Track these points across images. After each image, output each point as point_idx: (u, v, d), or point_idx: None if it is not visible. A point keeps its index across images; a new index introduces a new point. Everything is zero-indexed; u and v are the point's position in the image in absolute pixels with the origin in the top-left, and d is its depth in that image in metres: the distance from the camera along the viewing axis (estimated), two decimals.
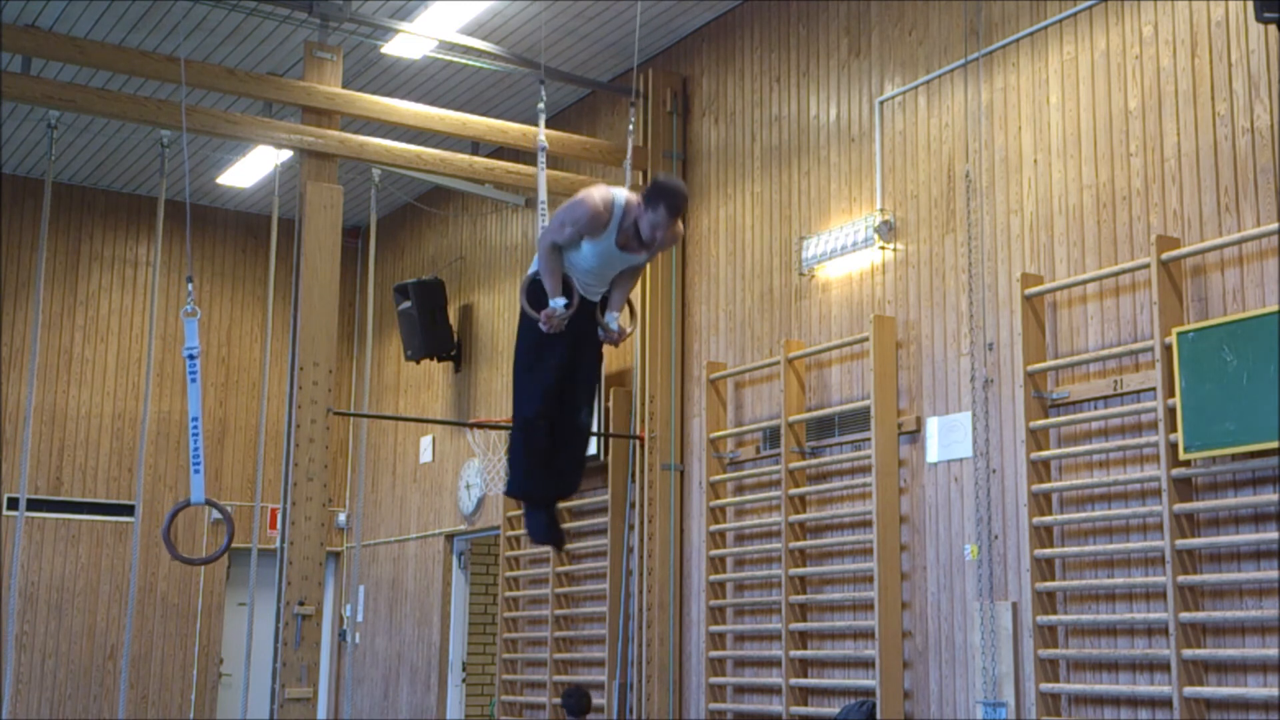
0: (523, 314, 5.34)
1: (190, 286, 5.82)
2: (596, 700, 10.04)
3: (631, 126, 6.35)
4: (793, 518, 8.48)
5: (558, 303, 5.23)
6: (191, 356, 5.66)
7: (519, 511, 11.37)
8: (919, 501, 7.84)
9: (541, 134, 5.37)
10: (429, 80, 10.92)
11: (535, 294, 5.29)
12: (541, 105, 5.58)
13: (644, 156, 10.06)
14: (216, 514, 13.78)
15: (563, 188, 10.04)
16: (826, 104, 8.91)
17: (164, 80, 8.89)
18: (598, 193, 5.26)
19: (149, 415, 13.15)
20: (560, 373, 5.42)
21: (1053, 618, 6.83)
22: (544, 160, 5.30)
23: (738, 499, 9.07)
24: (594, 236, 5.26)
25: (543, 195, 5.26)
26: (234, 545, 13.64)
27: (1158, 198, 6.74)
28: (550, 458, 5.50)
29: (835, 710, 7.94)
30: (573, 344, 5.42)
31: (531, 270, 5.39)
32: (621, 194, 5.30)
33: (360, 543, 11.44)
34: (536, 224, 5.51)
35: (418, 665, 12.67)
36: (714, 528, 9.17)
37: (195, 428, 5.62)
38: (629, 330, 5.51)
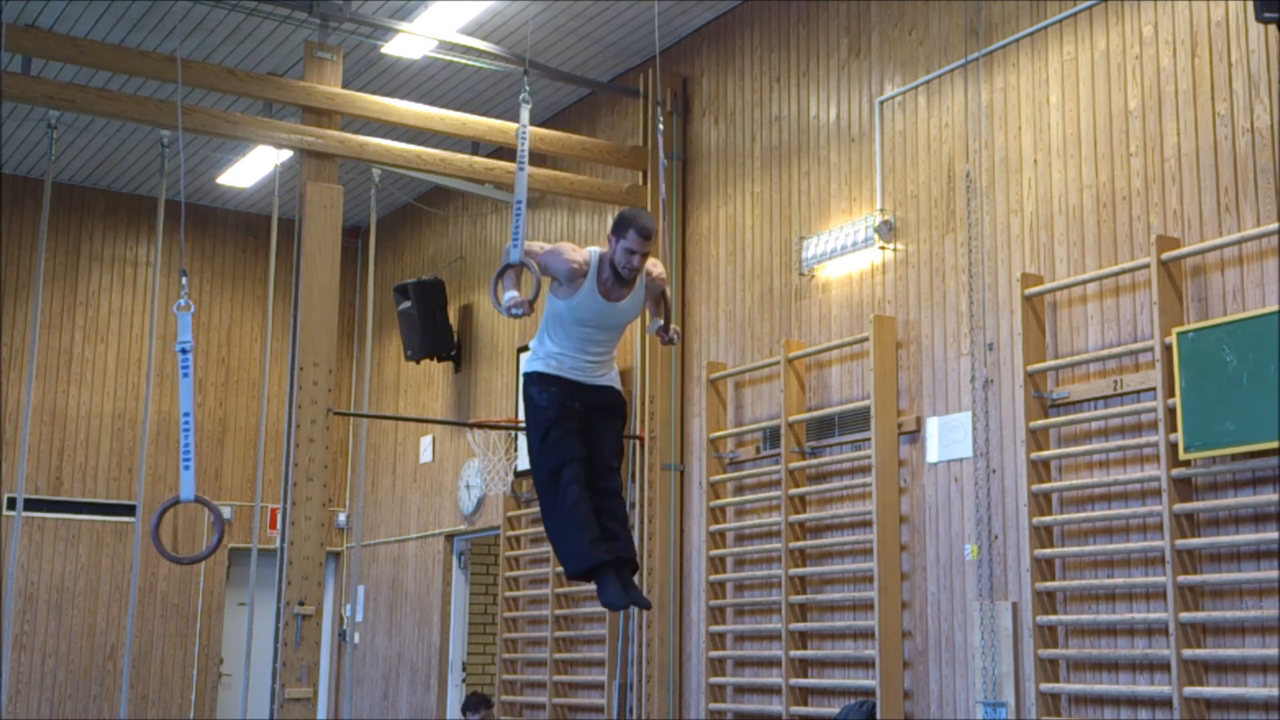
0: (528, 408, 5.33)
1: (184, 280, 5.76)
2: (596, 700, 10.04)
3: (660, 126, 6.38)
4: (793, 518, 8.48)
5: (510, 296, 5.19)
6: (184, 351, 5.60)
7: (519, 512, 11.37)
8: (919, 501, 7.84)
9: (524, 129, 5.36)
10: (429, 80, 10.92)
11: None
12: (525, 96, 5.55)
13: (643, 157, 10.07)
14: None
15: (562, 187, 10.05)
16: (826, 104, 8.91)
17: (164, 80, 8.89)
18: (570, 246, 5.31)
19: (149, 415, 13.17)
20: (579, 446, 5.28)
21: (1053, 618, 6.83)
22: (525, 152, 5.29)
23: (738, 499, 9.06)
24: (572, 290, 5.24)
25: (521, 195, 5.25)
26: (234, 545, 13.87)
27: (1158, 198, 6.74)
28: (591, 513, 5.19)
29: (835, 710, 7.94)
30: (584, 434, 5.31)
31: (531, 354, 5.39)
32: (595, 249, 5.33)
33: (360, 543, 11.44)
34: (510, 226, 5.44)
35: (418, 665, 12.67)
36: (714, 528, 9.17)
37: (187, 423, 5.56)
38: (676, 334, 5.49)
